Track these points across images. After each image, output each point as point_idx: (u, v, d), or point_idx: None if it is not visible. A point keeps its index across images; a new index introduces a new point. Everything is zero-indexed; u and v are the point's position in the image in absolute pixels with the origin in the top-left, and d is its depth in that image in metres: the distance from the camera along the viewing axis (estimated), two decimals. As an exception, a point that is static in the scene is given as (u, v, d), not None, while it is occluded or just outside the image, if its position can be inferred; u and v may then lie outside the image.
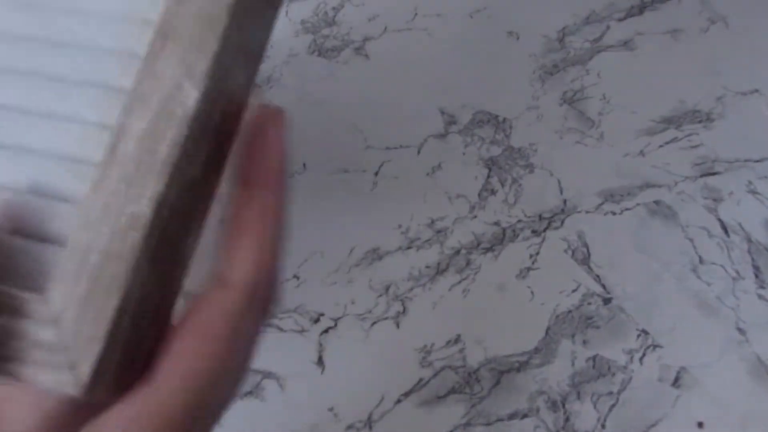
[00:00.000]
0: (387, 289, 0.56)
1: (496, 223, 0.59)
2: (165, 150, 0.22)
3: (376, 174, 0.62)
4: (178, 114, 0.22)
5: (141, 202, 0.21)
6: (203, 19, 0.23)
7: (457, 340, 0.54)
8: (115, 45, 0.24)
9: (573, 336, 0.54)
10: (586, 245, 0.58)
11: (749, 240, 0.58)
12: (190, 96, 0.23)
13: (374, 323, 0.55)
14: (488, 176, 0.62)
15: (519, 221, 0.59)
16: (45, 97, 0.23)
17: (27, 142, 0.23)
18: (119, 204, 0.21)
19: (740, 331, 0.54)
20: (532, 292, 0.56)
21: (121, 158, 0.22)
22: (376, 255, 0.58)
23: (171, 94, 0.23)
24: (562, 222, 0.59)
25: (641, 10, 0.72)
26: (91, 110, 0.23)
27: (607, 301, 0.55)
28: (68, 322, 0.21)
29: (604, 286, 0.56)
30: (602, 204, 0.60)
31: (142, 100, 0.23)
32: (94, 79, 0.24)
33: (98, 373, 0.20)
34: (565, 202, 0.60)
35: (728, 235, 0.58)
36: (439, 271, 0.57)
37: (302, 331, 0.54)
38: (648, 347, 0.53)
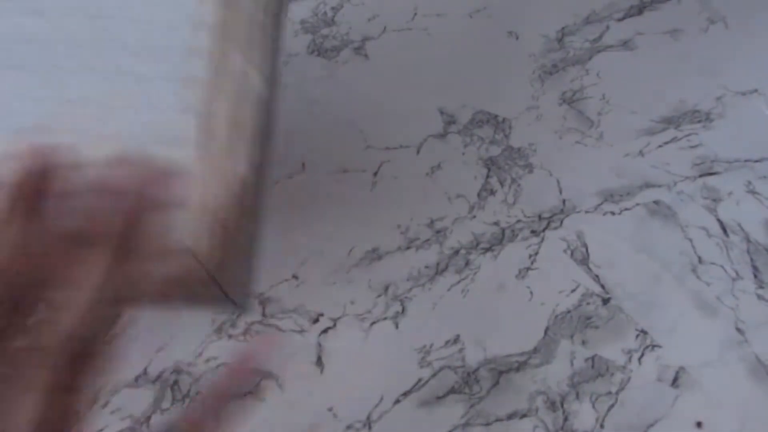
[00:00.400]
0: (386, 289, 0.56)
1: (496, 223, 0.59)
2: (248, 126, 0.27)
3: (376, 174, 0.62)
4: (251, 98, 0.28)
5: (241, 166, 0.27)
6: (256, 23, 0.29)
7: (457, 340, 0.54)
8: (182, 44, 0.29)
9: (572, 336, 0.54)
10: (585, 245, 0.58)
11: (748, 240, 0.58)
12: (256, 81, 0.28)
13: (373, 323, 0.55)
14: (487, 176, 0.62)
15: (518, 221, 0.59)
16: (130, 91, 0.28)
17: (121, 128, 0.27)
18: (225, 171, 0.27)
19: (739, 331, 0.54)
20: (531, 292, 0.56)
21: (214, 136, 0.27)
22: (375, 255, 0.58)
23: (240, 83, 0.28)
24: (562, 222, 0.59)
25: (641, 10, 0.72)
26: (174, 98, 0.28)
27: (606, 301, 0.55)
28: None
29: (603, 286, 0.56)
30: (601, 204, 0.60)
31: (220, 91, 0.28)
32: (172, 74, 0.28)
33: None
34: (564, 202, 0.60)
35: (727, 235, 0.58)
36: (439, 271, 0.57)
37: (301, 331, 0.54)
38: (647, 347, 0.53)
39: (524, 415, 0.51)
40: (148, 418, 0.51)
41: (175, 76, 0.28)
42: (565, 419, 0.50)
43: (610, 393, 0.51)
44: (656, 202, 0.60)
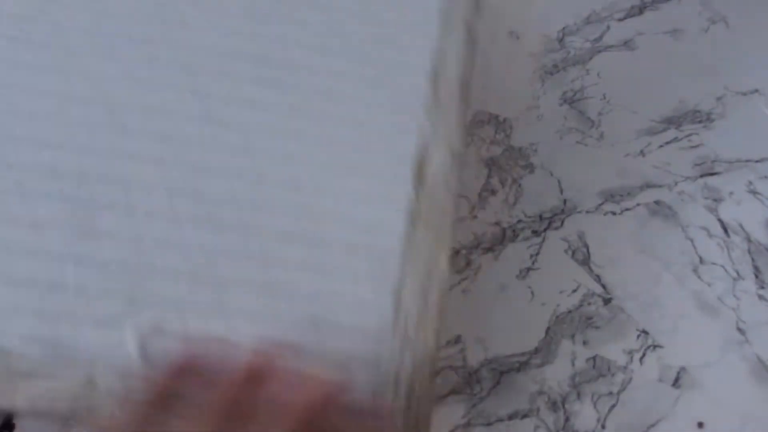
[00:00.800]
0: (387, 289, 0.56)
1: (497, 223, 0.59)
2: (435, 301, 0.31)
3: (376, 174, 0.62)
4: (437, 276, 0.32)
5: (429, 340, 0.31)
6: (440, 209, 0.33)
7: (458, 340, 0.54)
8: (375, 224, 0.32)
9: (573, 336, 0.54)
10: (586, 245, 0.58)
11: (749, 240, 0.58)
12: (443, 262, 0.32)
13: (374, 323, 0.55)
14: (488, 176, 0.61)
15: (519, 221, 0.59)
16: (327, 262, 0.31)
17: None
18: (414, 342, 0.30)
19: (740, 331, 0.54)
20: (532, 292, 0.56)
21: (405, 309, 0.31)
22: (376, 255, 0.58)
23: (429, 262, 0.32)
24: (563, 222, 0.59)
25: (641, 9, 0.72)
26: (369, 273, 0.31)
27: (607, 301, 0.55)
28: None
29: (604, 286, 0.56)
30: (602, 204, 0.60)
31: (411, 267, 0.31)
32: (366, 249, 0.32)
33: None
34: (565, 202, 0.60)
35: (728, 235, 0.58)
36: (439, 271, 0.57)
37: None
38: (648, 347, 0.53)
39: (525, 415, 0.51)
40: None
41: (365, 247, 0.32)
42: (566, 419, 0.50)
43: (611, 393, 0.51)
44: (657, 202, 0.60)
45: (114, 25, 0.35)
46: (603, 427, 0.50)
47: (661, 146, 0.63)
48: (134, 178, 0.31)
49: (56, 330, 0.28)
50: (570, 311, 0.55)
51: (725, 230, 0.59)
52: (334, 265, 0.31)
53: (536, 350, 0.53)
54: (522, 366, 0.52)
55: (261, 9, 0.36)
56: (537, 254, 0.57)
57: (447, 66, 0.39)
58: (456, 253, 0.58)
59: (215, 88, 0.34)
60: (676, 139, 0.64)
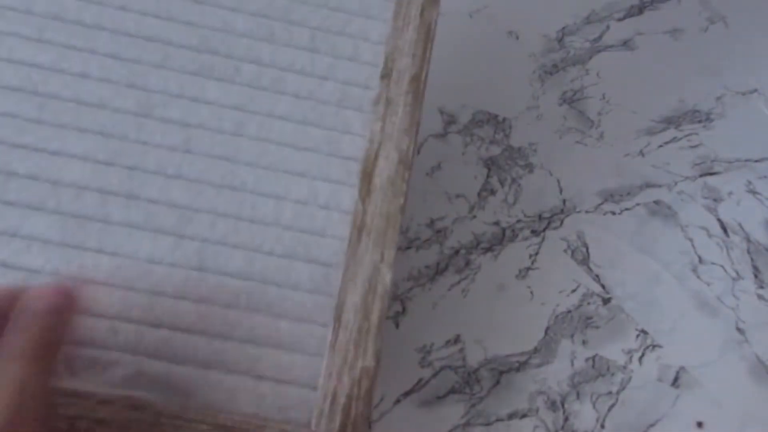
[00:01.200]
0: (386, 289, 0.56)
1: (496, 223, 0.59)
2: (376, 318, 0.30)
3: (376, 174, 0.62)
4: (380, 291, 0.30)
5: (367, 358, 0.29)
6: (385, 217, 0.31)
7: (457, 340, 0.54)
8: (320, 230, 0.31)
9: (572, 336, 0.54)
10: (585, 245, 0.58)
11: (749, 240, 0.58)
12: (387, 276, 0.31)
13: (374, 323, 0.55)
14: (488, 176, 0.62)
15: (518, 221, 0.59)
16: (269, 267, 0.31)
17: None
18: (352, 360, 0.29)
19: (740, 331, 0.54)
20: (531, 292, 0.56)
21: (345, 325, 0.29)
22: (375, 255, 0.58)
23: (372, 276, 0.30)
24: (562, 222, 0.59)
25: (641, 9, 0.72)
26: (310, 283, 0.30)
27: (606, 301, 0.55)
28: None
29: (603, 286, 0.56)
30: (602, 204, 0.60)
31: (352, 280, 0.30)
32: (303, 253, 0.31)
33: None
34: (564, 201, 0.60)
35: (728, 235, 0.58)
36: (439, 271, 0.57)
37: (302, 331, 0.54)
38: (647, 347, 0.53)
39: (525, 415, 0.51)
40: None
41: (306, 256, 0.31)
42: (566, 419, 0.50)
43: (610, 393, 0.51)
44: (656, 202, 0.60)
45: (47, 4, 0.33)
46: (602, 426, 0.50)
47: (660, 146, 0.63)
48: (65, 176, 0.30)
49: None
50: (569, 311, 0.55)
51: (725, 230, 0.59)
52: (272, 273, 0.30)
53: (536, 350, 0.53)
54: (521, 366, 0.52)
55: None
56: (536, 254, 0.57)
57: (399, 60, 0.37)
58: (455, 252, 0.58)
59: (153, 81, 0.33)
60: (675, 139, 0.64)
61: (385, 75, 0.36)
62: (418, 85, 0.37)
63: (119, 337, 0.28)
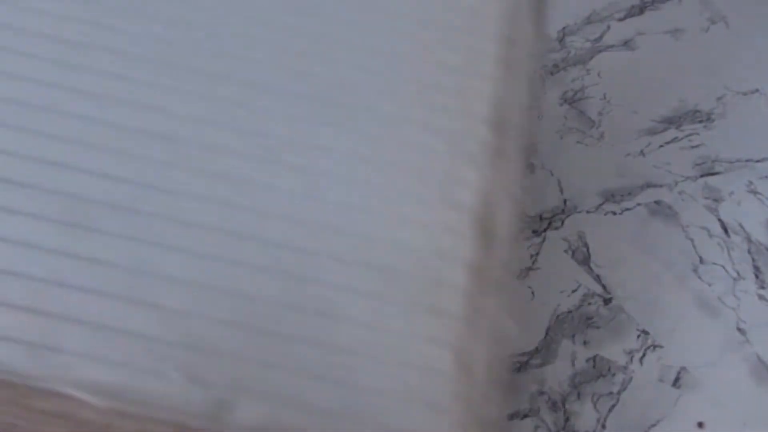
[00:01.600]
0: (387, 289, 0.56)
1: (497, 223, 0.59)
2: (502, 370, 0.29)
3: (377, 174, 0.62)
4: (504, 344, 0.30)
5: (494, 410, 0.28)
6: (507, 269, 0.32)
7: (458, 340, 0.54)
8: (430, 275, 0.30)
9: (573, 336, 0.54)
10: (586, 245, 0.58)
11: (749, 240, 0.58)
12: (511, 331, 0.30)
13: (374, 323, 0.55)
14: (489, 176, 0.61)
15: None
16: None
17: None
18: None
19: (741, 331, 0.54)
20: (532, 292, 0.56)
21: (472, 374, 0.28)
22: (376, 255, 0.58)
23: (496, 328, 0.30)
24: (563, 222, 0.59)
25: (642, 9, 0.72)
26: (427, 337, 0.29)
27: (607, 301, 0.55)
28: None
29: (604, 287, 0.56)
30: (603, 204, 0.60)
31: (478, 330, 0.29)
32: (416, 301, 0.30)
33: None
34: (565, 202, 0.60)
35: (729, 235, 0.58)
36: (440, 271, 0.57)
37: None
38: (648, 347, 0.53)
39: (526, 415, 0.51)
40: None
41: (421, 304, 0.29)
42: (567, 419, 0.50)
43: (611, 393, 0.51)
44: (657, 202, 0.60)
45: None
46: (603, 426, 0.50)
47: (661, 146, 0.63)
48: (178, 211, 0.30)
49: None
50: (570, 311, 0.55)
51: (725, 230, 0.59)
52: (390, 322, 0.29)
53: (536, 350, 0.53)
54: (522, 366, 0.52)
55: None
56: (537, 254, 0.57)
57: (508, 114, 0.36)
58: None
59: (275, 130, 0.33)
60: (676, 139, 0.64)
61: (498, 126, 0.36)
62: (526, 138, 0.36)
63: None
